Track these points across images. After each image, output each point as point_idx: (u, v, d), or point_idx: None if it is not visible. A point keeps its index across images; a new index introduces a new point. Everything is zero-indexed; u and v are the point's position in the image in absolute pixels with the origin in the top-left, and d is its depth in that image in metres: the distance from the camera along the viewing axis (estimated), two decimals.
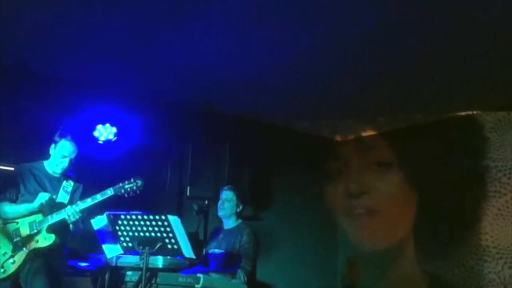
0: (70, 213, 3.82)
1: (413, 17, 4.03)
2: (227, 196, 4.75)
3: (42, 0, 3.90)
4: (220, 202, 4.78)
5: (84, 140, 4.85)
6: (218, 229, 4.87)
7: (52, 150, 4.08)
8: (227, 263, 4.56)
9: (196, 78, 5.29)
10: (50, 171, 4.10)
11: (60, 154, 4.04)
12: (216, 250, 4.68)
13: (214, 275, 4.30)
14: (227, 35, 4.43)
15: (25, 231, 3.86)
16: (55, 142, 4.07)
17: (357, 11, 3.95)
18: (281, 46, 4.56)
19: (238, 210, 4.75)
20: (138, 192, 3.90)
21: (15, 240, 3.85)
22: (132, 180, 3.91)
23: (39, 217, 3.89)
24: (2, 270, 3.78)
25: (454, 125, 5.99)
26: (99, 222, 4.06)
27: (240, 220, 4.79)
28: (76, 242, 4.29)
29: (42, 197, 3.89)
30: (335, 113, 6.23)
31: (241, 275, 4.40)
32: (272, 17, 4.10)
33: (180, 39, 4.51)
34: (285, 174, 6.52)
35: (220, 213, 4.79)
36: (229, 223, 4.77)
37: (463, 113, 5.91)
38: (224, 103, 5.99)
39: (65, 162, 4.05)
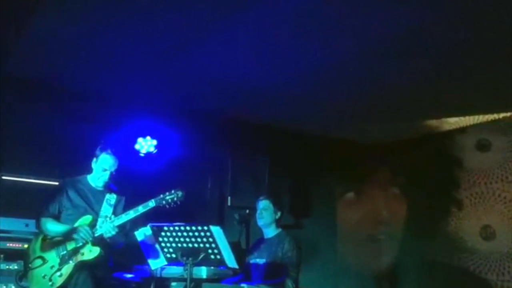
0: (106, 230, 3.89)
1: (444, 22, 3.94)
2: (264, 205, 4.77)
3: (82, 20, 3.99)
4: (258, 212, 4.80)
5: (126, 153, 4.95)
6: (259, 239, 4.89)
7: (93, 164, 4.17)
8: (270, 273, 4.55)
9: (233, 89, 5.32)
10: (93, 184, 4.18)
11: (101, 167, 4.11)
12: (258, 260, 4.68)
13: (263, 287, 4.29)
14: (262, 45, 4.43)
15: (70, 244, 3.94)
16: (96, 156, 4.15)
17: (388, 16, 3.89)
18: (316, 54, 4.54)
19: (276, 217, 4.77)
20: (179, 203, 3.93)
21: (61, 253, 3.93)
22: (173, 192, 3.94)
23: None
24: (50, 283, 3.86)
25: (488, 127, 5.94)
26: (143, 233, 4.11)
27: (280, 229, 4.80)
28: (121, 254, 4.34)
29: (85, 220, 3.98)
30: (370, 119, 6.15)
31: (289, 284, 4.38)
32: (305, 26, 4.07)
33: (215, 50, 4.54)
34: (325, 182, 6.47)
35: (260, 223, 4.80)
36: (269, 232, 4.78)
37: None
38: (262, 114, 6.00)
39: (106, 176, 4.12)
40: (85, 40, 4.31)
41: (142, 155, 5.70)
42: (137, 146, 5.68)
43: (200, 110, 5.88)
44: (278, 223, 4.80)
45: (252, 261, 4.72)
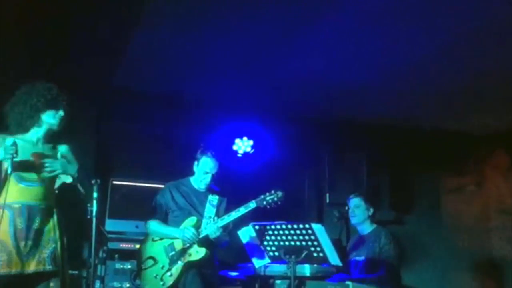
0: (211, 231, 4.00)
1: None
2: (355, 203, 4.74)
3: (181, 29, 4.15)
4: (350, 211, 4.76)
5: (224, 154, 5.09)
6: (356, 237, 4.85)
7: (195, 167, 4.28)
8: (369, 269, 4.49)
9: (329, 88, 5.29)
10: (196, 186, 4.29)
11: (202, 170, 4.22)
12: (357, 258, 4.64)
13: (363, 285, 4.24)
14: (351, 41, 4.37)
15: (178, 245, 4.10)
16: (197, 159, 4.25)
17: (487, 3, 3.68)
18: (407, 47, 4.41)
19: (369, 214, 4.71)
20: (279, 203, 3.97)
21: (170, 254, 4.09)
22: (273, 192, 3.99)
23: None
24: (161, 283, 4.03)
25: None
26: (245, 233, 4.20)
27: (375, 225, 4.73)
28: (225, 252, 4.47)
29: (190, 221, 4.13)
30: (470, 111, 5.86)
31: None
32: (401, 16, 3.96)
33: (306, 50, 4.54)
34: (428, 176, 6.25)
35: (353, 221, 4.77)
36: (365, 229, 4.73)
37: None
38: (357, 110, 5.91)
39: (208, 178, 4.23)
40: (184, 48, 4.48)
41: (239, 155, 5.85)
42: (234, 147, 5.83)
43: (295, 109, 5.90)
44: (372, 219, 4.74)
45: (351, 259, 4.69)
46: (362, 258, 4.59)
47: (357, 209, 4.71)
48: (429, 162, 6.24)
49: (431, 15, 3.90)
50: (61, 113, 3.33)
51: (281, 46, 4.45)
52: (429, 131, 6.35)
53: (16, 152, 3.11)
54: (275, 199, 3.97)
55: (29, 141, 3.32)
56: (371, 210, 4.72)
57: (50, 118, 3.31)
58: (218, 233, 3.99)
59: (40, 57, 4.50)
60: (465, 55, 4.55)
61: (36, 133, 3.33)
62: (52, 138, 3.39)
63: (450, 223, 6.28)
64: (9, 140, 3.13)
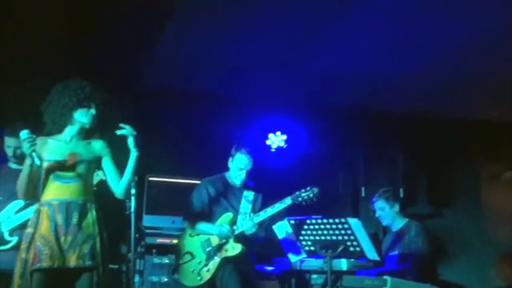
0: (247, 227, 4.02)
1: None
2: (379, 206, 4.72)
3: (213, 27, 4.18)
4: (377, 215, 4.73)
5: (258, 149, 5.09)
6: (389, 232, 4.82)
7: (230, 163, 4.30)
8: (402, 262, 4.47)
9: (362, 81, 5.23)
10: (231, 182, 4.32)
11: (237, 167, 4.23)
12: (391, 253, 4.62)
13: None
14: (384, 32, 4.31)
15: (215, 241, 4.14)
16: (232, 156, 4.27)
17: None
18: (446, 35, 4.31)
19: (396, 210, 4.67)
20: (315, 200, 3.96)
21: (207, 249, 4.14)
22: (308, 188, 3.98)
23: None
24: (199, 277, 4.09)
25: None
26: (280, 228, 4.19)
27: (407, 219, 4.70)
28: (261, 247, 4.48)
29: (226, 217, 4.15)
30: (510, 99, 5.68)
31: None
32: (438, 3, 3.87)
33: (339, 43, 4.50)
34: (465, 168, 6.11)
35: (384, 223, 4.77)
36: (396, 225, 4.71)
37: None
38: (392, 102, 5.82)
39: (243, 174, 4.24)
40: (217, 45, 4.50)
41: (273, 150, 5.85)
42: (268, 142, 5.83)
43: (328, 103, 5.86)
44: (401, 213, 4.69)
45: (386, 255, 4.66)
46: (396, 253, 4.57)
47: (383, 212, 4.69)
48: (468, 153, 6.10)
49: (471, 1, 3.80)
50: (93, 111, 3.37)
51: (313, 40, 4.42)
52: (467, 121, 6.20)
53: (35, 140, 3.17)
54: (311, 195, 3.96)
55: (63, 140, 3.38)
56: (397, 206, 4.68)
57: (82, 117, 3.35)
58: (254, 230, 4.01)
59: (76, 56, 4.60)
60: (506, 43, 4.42)
61: (70, 132, 3.38)
62: (88, 134, 3.45)
63: (491, 215, 6.12)
64: (24, 133, 3.19)
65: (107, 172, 3.45)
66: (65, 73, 3.48)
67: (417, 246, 4.44)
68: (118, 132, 3.36)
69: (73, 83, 3.38)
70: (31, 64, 4.74)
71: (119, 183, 3.40)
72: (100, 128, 3.42)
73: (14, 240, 4.00)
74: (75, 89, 3.35)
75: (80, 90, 3.35)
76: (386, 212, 4.66)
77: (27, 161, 3.22)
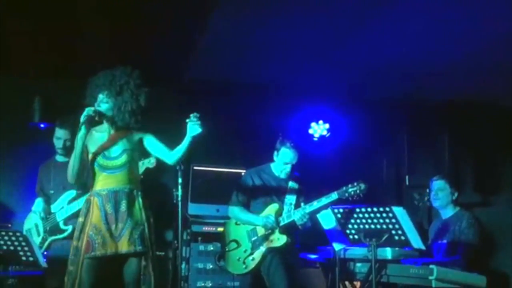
0: (298, 217, 4.06)
1: None
2: (439, 186, 4.62)
3: (255, 15, 4.18)
4: (432, 193, 4.66)
5: (301, 138, 5.10)
6: (437, 220, 4.75)
7: (275, 156, 4.32)
8: (451, 253, 4.41)
9: (402, 68, 5.13)
10: (276, 173, 4.34)
11: (282, 161, 4.25)
12: (439, 241, 4.56)
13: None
14: (427, 20, 4.21)
15: (260, 231, 4.19)
16: (277, 150, 4.28)
17: None
18: (491, 21, 4.18)
19: (453, 198, 4.60)
20: (361, 196, 3.95)
21: (253, 239, 4.20)
22: (355, 184, 3.98)
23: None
24: (244, 266, 4.17)
25: None
26: (325, 216, 4.20)
27: (458, 208, 4.62)
28: (305, 236, 4.51)
29: (272, 208, 4.19)
30: None
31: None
32: None
33: (381, 31, 4.43)
34: None
35: (435, 204, 4.67)
36: (447, 213, 4.63)
37: None
38: (436, 90, 5.69)
39: (288, 168, 4.26)
40: (261, 35, 4.51)
41: (315, 139, 5.84)
42: (310, 131, 5.83)
43: (371, 91, 5.78)
44: (455, 202, 4.61)
45: (433, 243, 4.61)
46: (444, 241, 4.51)
47: (441, 192, 4.60)
48: None
49: None
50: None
51: (356, 29, 4.37)
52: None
53: (94, 117, 3.33)
54: (358, 191, 3.96)
55: (105, 130, 3.52)
56: (455, 194, 4.61)
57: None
58: (305, 220, 4.05)
59: (122, 49, 4.70)
60: None
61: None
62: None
63: None
64: (89, 109, 3.34)
65: (153, 147, 3.55)
66: (112, 66, 3.58)
67: (467, 238, 4.38)
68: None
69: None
70: (81, 58, 4.88)
71: (173, 152, 3.47)
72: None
73: (69, 229, 4.19)
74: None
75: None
76: (444, 194, 4.59)
77: (80, 133, 3.34)
